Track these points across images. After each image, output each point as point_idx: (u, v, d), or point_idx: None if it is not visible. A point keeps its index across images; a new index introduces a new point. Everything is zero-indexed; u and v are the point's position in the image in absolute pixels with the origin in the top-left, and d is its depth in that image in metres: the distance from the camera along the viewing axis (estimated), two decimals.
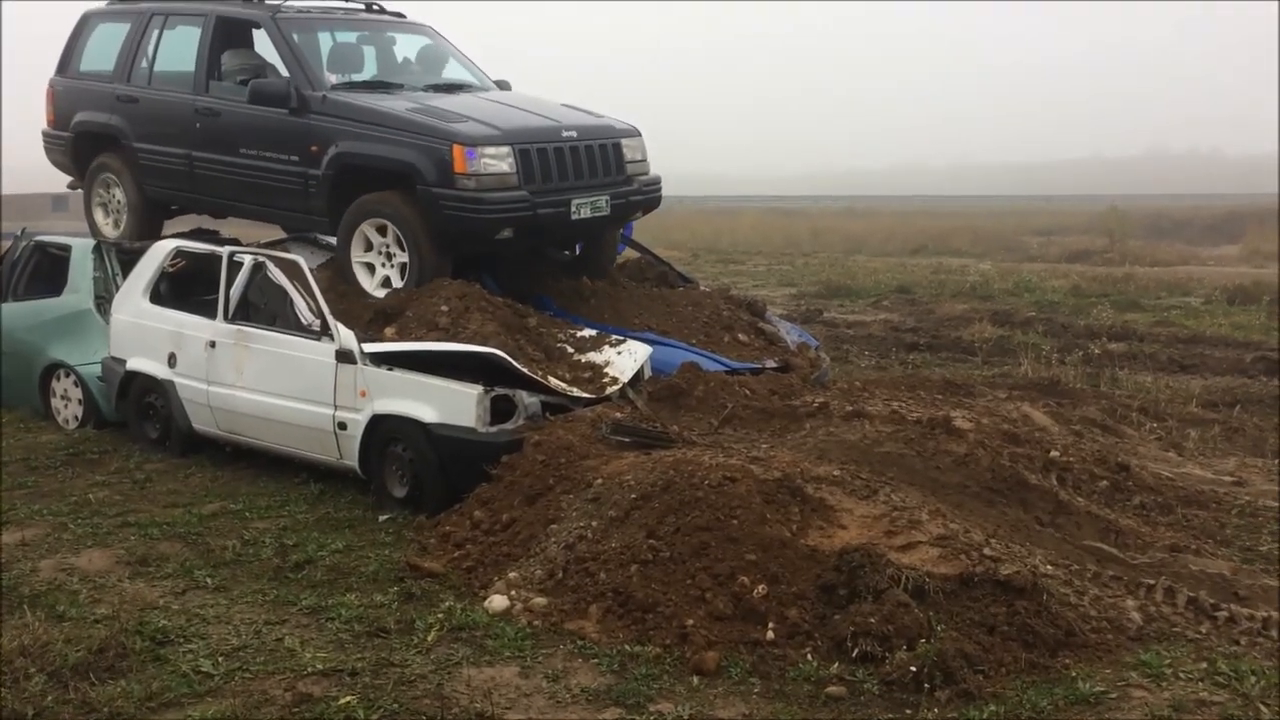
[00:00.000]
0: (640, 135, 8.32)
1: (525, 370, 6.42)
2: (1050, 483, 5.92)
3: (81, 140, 9.28)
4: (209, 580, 5.31)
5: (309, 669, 4.31)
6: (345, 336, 6.48)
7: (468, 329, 6.84)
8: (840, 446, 5.91)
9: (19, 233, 9.62)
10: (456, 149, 7.20)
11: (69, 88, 9.39)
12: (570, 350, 7.19)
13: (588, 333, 7.43)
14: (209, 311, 7.25)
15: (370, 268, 7.71)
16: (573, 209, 7.60)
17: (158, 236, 9.06)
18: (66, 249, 8.91)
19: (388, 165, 7.48)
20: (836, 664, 4.25)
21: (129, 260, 8.42)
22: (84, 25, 9.43)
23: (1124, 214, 28.93)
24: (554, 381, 6.54)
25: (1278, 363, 10.82)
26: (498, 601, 4.80)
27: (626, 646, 4.42)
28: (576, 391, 6.56)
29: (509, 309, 7.27)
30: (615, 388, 6.72)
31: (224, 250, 7.35)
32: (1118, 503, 6.02)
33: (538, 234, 7.75)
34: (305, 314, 6.76)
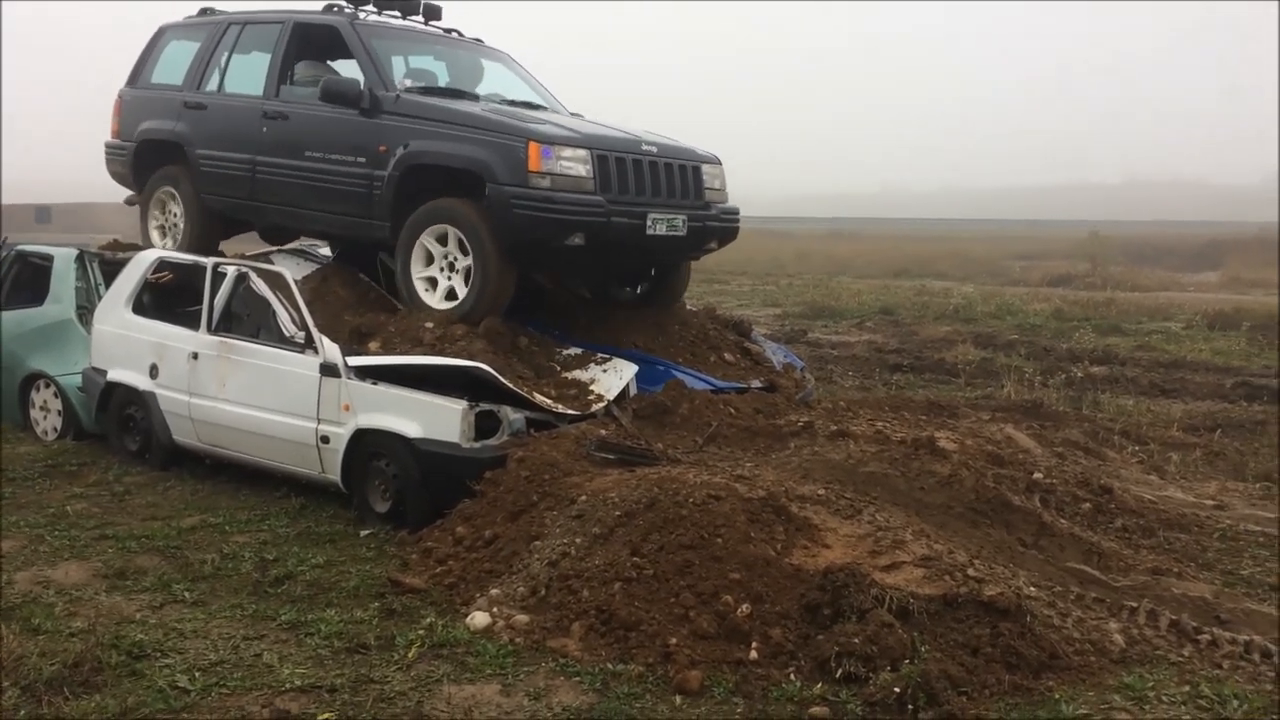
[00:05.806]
0: (721, 164, 8.12)
1: (510, 386, 6.40)
2: (1033, 504, 5.93)
3: (144, 149, 9.13)
4: (187, 594, 5.25)
5: (287, 685, 4.26)
6: (330, 350, 6.44)
7: (453, 345, 6.81)
8: (825, 466, 5.90)
9: (0, 243, 9.56)
10: (532, 145, 6.97)
11: (137, 98, 9.33)
12: (556, 367, 7.17)
13: (574, 350, 7.40)
14: (192, 323, 7.22)
15: (432, 282, 7.43)
16: (649, 223, 7.35)
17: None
18: (49, 259, 8.86)
19: (458, 164, 7.22)
20: (820, 684, 4.22)
21: (112, 270, 8.38)
22: (159, 38, 9.44)
23: (1105, 239, 29.25)
24: (539, 398, 6.51)
25: (1258, 388, 10.92)
26: (479, 618, 4.76)
27: (609, 665, 4.38)
28: (562, 408, 6.54)
29: (495, 326, 7.23)
30: (601, 405, 6.70)
31: (208, 261, 7.32)
32: (1100, 525, 6.04)
33: (610, 248, 7.42)
34: (289, 326, 6.73)
